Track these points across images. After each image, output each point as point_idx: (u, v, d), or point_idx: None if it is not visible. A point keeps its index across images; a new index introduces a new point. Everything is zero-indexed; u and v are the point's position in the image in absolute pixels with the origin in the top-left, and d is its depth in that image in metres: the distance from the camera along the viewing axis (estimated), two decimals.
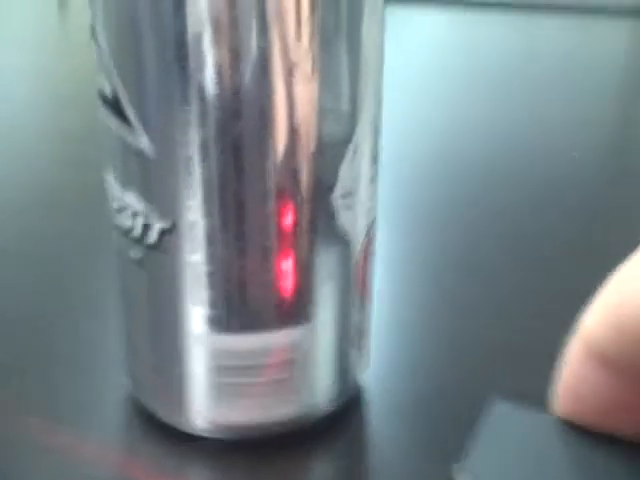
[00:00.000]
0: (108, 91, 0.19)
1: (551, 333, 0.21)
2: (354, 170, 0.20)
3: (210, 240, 0.19)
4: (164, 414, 0.23)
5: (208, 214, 0.19)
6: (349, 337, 0.22)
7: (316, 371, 0.22)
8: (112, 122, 0.20)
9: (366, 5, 0.19)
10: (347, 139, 0.20)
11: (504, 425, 0.15)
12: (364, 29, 0.19)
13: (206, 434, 0.22)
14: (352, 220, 0.21)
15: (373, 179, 0.21)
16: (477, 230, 0.35)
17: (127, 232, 0.21)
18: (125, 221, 0.21)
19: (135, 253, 0.21)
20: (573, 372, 0.15)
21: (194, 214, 0.19)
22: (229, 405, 0.21)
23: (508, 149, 0.43)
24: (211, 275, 0.20)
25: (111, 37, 0.19)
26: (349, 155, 0.20)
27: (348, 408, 0.24)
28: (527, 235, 0.34)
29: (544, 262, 0.32)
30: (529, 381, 0.22)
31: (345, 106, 0.19)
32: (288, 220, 0.19)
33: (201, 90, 0.18)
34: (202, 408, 0.22)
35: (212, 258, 0.20)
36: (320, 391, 0.22)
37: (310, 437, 0.23)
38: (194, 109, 0.18)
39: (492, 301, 0.29)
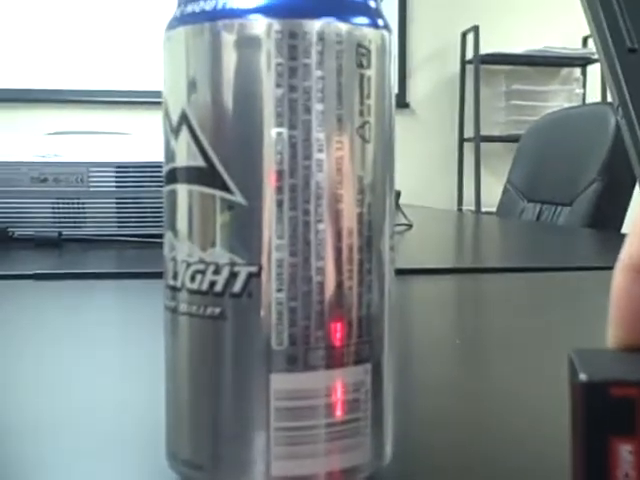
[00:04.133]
0: (201, 166, 0.23)
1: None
2: (392, 231, 0.25)
3: (293, 277, 0.23)
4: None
5: (293, 253, 0.23)
6: (392, 390, 0.25)
7: (381, 414, 0.25)
8: (201, 191, 0.23)
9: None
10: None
11: (589, 353, 0.19)
12: None
13: None
14: (391, 270, 0.25)
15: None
16: None
17: (206, 291, 0.23)
18: (204, 280, 0.23)
19: (213, 309, 0.23)
20: (626, 299, 0.19)
21: (281, 253, 0.23)
22: (296, 453, 0.23)
23: None
24: (293, 311, 0.23)
25: (206, 125, 0.23)
26: (388, 214, 0.25)
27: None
28: None
29: None
30: None
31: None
32: (359, 256, 0.24)
33: (291, 150, 0.23)
34: (280, 457, 0.23)
35: (294, 294, 0.23)
36: (379, 440, 0.25)
37: None
38: (285, 167, 0.23)
39: None
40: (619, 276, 0.19)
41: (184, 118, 0.24)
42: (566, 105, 3.12)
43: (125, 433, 0.30)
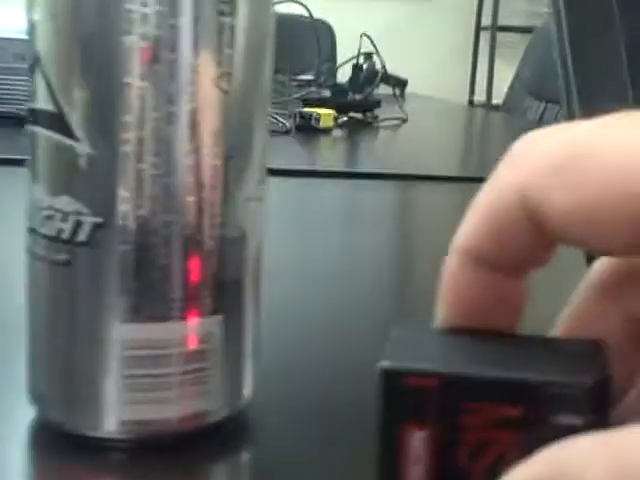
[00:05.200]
0: (52, 110, 0.23)
1: None
2: (257, 182, 0.25)
3: (139, 230, 0.22)
4: (74, 423, 0.24)
5: (139, 206, 0.22)
6: (251, 339, 0.25)
7: (229, 364, 0.25)
8: (51, 137, 0.23)
9: None
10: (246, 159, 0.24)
11: (409, 330, 0.19)
12: None
13: (118, 436, 0.24)
14: (252, 222, 0.25)
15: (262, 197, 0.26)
16: None
17: (55, 237, 0.23)
18: (53, 226, 0.23)
19: (61, 256, 0.23)
20: (453, 281, 0.19)
21: (126, 206, 0.22)
22: (145, 399, 0.23)
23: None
24: (139, 264, 0.23)
25: (59, 71, 0.22)
26: (251, 166, 0.24)
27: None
28: None
29: None
30: None
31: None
32: (211, 210, 0.23)
33: (139, 102, 0.22)
34: (130, 402, 0.23)
35: (140, 247, 0.23)
36: (232, 385, 0.25)
37: (214, 439, 0.25)
38: (133, 119, 0.22)
39: None
40: (450, 258, 0.19)
41: (38, 61, 0.23)
42: None
43: None
